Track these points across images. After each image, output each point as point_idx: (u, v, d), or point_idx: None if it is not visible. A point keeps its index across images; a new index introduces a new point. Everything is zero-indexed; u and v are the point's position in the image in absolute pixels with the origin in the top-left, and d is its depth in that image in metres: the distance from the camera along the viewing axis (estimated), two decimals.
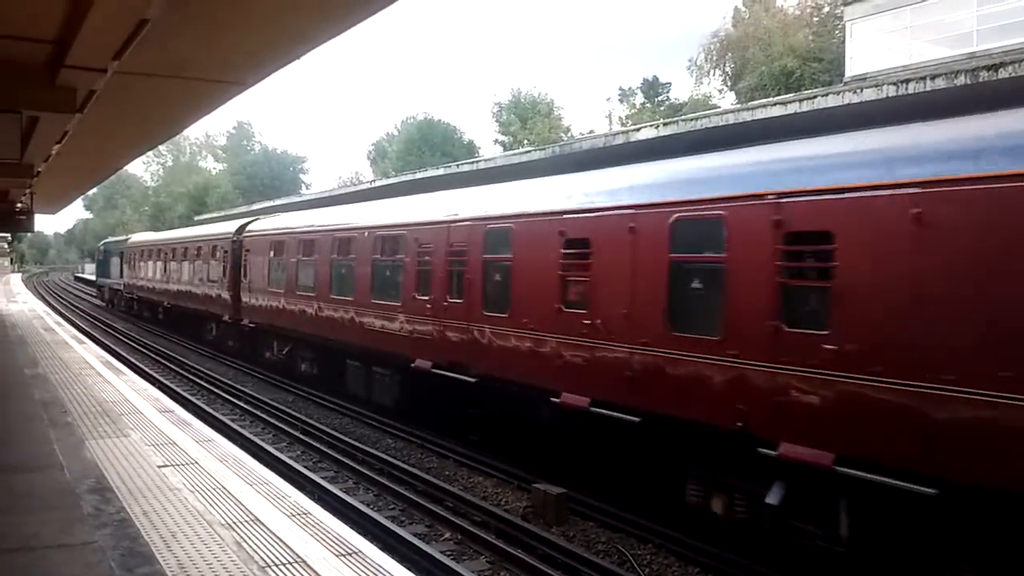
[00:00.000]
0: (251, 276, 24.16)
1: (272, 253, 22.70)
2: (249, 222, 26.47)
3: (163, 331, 35.80)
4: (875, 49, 22.34)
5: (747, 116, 12.61)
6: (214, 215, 54.33)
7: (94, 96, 9.70)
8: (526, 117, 63.24)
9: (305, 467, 13.38)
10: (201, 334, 31.14)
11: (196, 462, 8.55)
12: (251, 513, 6.79)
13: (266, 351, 23.62)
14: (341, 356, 18.58)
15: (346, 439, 15.31)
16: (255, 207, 45.38)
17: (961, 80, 9.57)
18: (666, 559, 9.53)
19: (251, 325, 24.19)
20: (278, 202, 42.93)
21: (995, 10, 19.75)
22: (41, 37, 7.70)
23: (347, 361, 18.24)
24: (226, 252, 26.45)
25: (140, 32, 7.02)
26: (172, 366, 25.61)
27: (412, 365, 14.91)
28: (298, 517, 6.76)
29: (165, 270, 35.28)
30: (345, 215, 20.27)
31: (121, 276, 46.91)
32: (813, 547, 8.63)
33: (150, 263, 38.46)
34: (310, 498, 8.21)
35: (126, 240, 48.64)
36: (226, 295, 26.18)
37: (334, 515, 7.28)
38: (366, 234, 17.41)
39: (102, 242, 57.98)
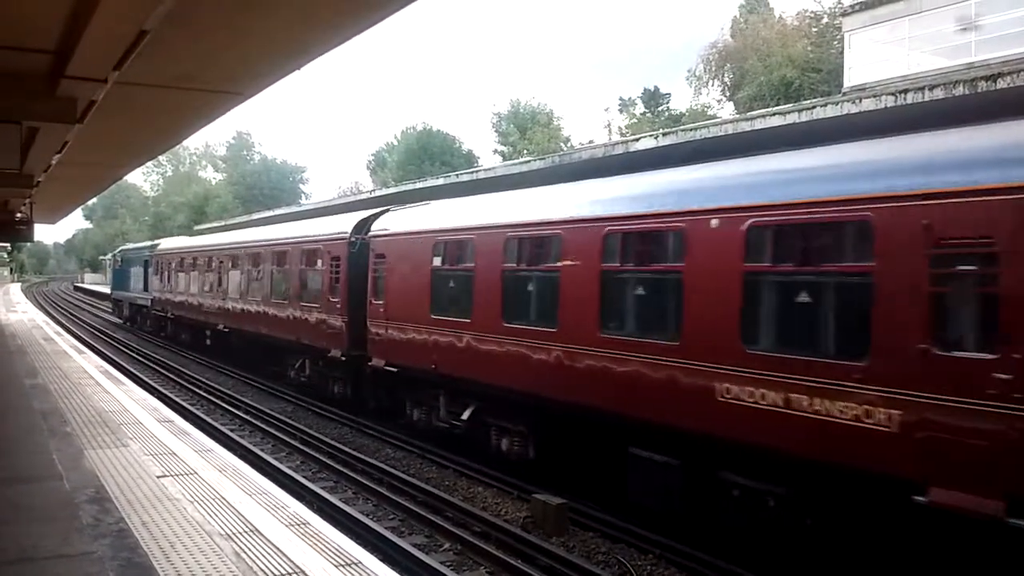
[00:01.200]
0: (390, 295, 16.44)
1: (441, 260, 14.92)
2: (376, 215, 18.39)
3: (210, 360, 28.98)
4: (873, 60, 22.44)
5: (746, 126, 12.63)
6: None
7: (94, 106, 9.72)
8: (525, 127, 63.39)
9: (304, 477, 13.36)
10: (277, 368, 23.59)
11: (195, 472, 8.55)
12: (250, 523, 6.78)
13: (415, 408, 15.98)
14: (610, 436, 11.04)
15: (346, 449, 15.28)
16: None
17: (960, 90, 9.61)
18: (667, 570, 9.50)
19: (389, 368, 16.30)
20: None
21: (994, 21, 19.88)
22: (42, 47, 7.72)
23: (631, 450, 10.61)
24: (336, 260, 18.99)
25: (140, 43, 7.04)
26: (171, 376, 25.57)
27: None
28: (297, 527, 6.75)
29: (220, 283, 28.01)
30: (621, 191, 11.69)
31: (147, 289, 39.33)
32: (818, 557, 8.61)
33: (193, 274, 31.22)
34: (309, 508, 8.22)
35: (154, 246, 40.17)
36: (337, 321, 18.80)
37: (333, 525, 7.29)
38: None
39: (119, 249, 48.96)
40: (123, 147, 14.81)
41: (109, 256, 44.51)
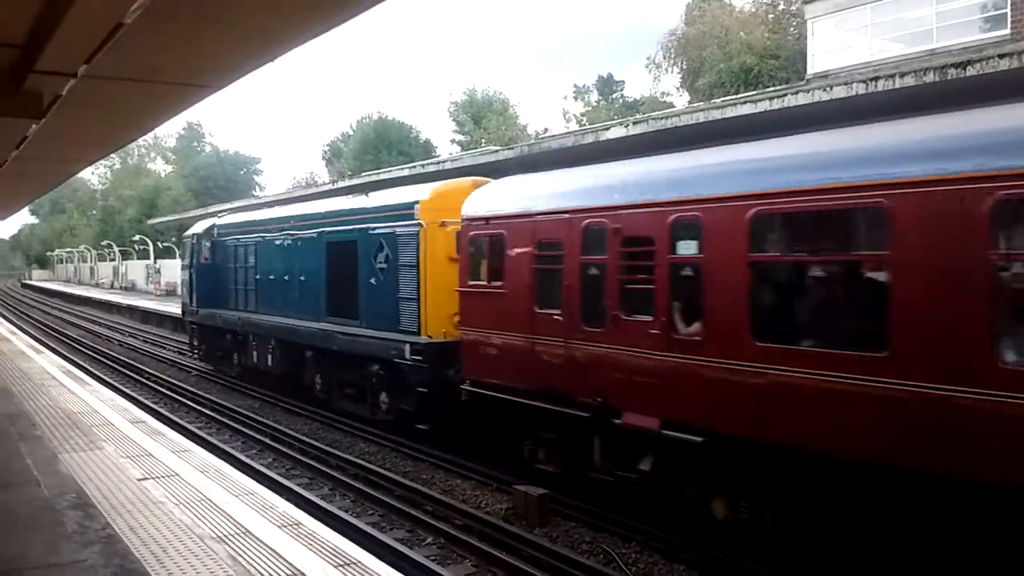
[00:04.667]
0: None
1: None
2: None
3: None
4: (836, 46, 22.73)
5: (716, 114, 12.70)
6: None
7: (59, 101, 9.43)
8: (481, 116, 63.15)
9: (278, 474, 13.20)
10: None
11: (176, 474, 8.40)
12: (241, 525, 6.68)
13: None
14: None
15: (318, 445, 15.13)
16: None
17: (931, 77, 9.74)
18: (651, 557, 9.55)
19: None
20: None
21: (953, 7, 20.26)
22: (9, 42, 7.46)
23: None
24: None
25: (115, 35, 6.83)
26: (132, 375, 25.08)
27: None
28: (290, 528, 6.67)
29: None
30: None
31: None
32: (801, 545, 8.71)
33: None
34: (290, 504, 8.09)
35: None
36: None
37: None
38: None
39: (204, 225, 24.85)
40: (84, 141, 14.36)
41: (190, 235, 25.10)
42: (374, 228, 15.58)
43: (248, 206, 31.31)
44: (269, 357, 20.31)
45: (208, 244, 23.74)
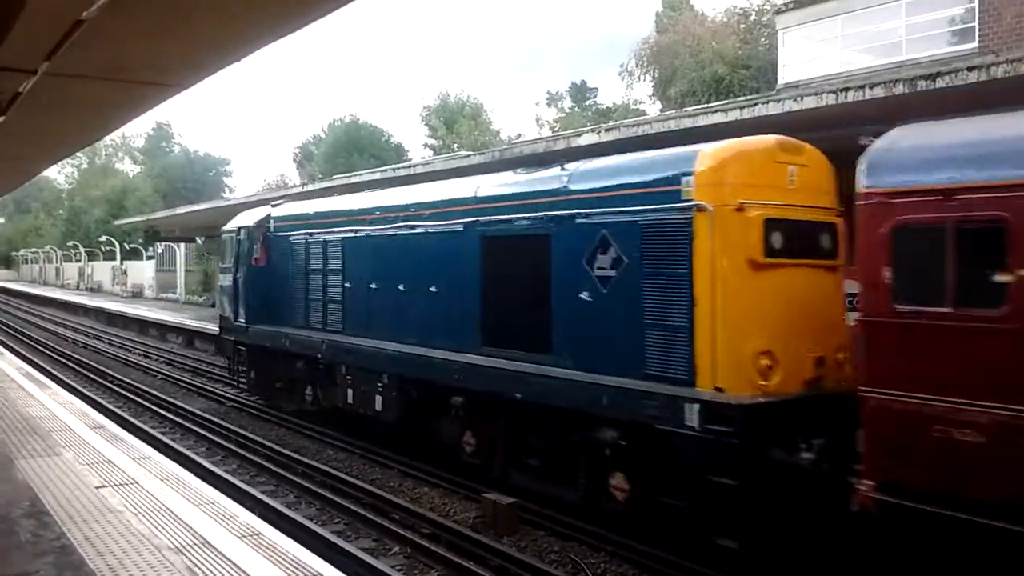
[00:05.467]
0: None
1: None
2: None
3: None
4: (807, 57, 22.94)
5: (688, 123, 12.72)
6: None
7: (19, 99, 9.21)
8: (453, 121, 63.07)
9: (242, 481, 12.99)
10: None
11: (135, 482, 8.20)
12: (200, 536, 6.51)
13: None
14: None
15: (284, 451, 14.91)
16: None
17: (900, 89, 9.81)
18: (620, 567, 9.49)
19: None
20: None
21: (922, 20, 20.52)
22: None
23: None
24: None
25: (76, 31, 6.66)
26: (95, 377, 24.67)
27: None
28: (250, 538, 6.51)
29: None
30: None
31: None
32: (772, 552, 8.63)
33: None
34: (250, 512, 7.93)
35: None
36: None
37: (288, 537, 7.05)
38: None
39: (253, 216, 19.47)
40: (47, 141, 14.10)
41: (232, 229, 19.78)
42: (588, 216, 10.45)
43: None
44: (378, 399, 14.47)
45: (261, 241, 18.31)
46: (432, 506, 11.72)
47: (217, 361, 26.45)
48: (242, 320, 18.78)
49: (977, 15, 19.49)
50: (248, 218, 19.22)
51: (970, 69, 9.46)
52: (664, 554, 9.50)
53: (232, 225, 19.62)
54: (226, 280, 19.80)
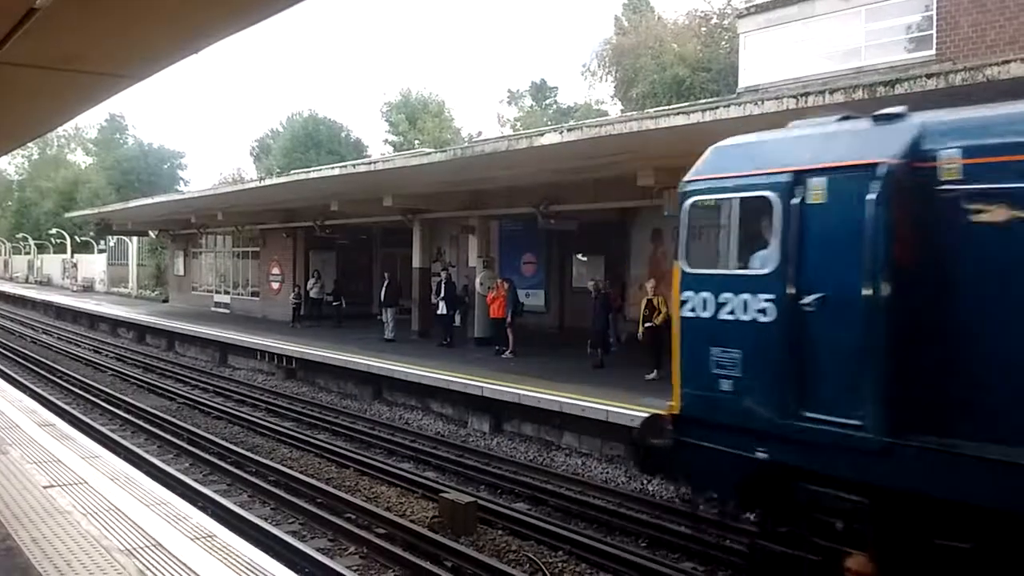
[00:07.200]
0: None
1: None
2: None
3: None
4: (767, 61, 23.16)
5: (650, 124, 12.76)
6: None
7: None
8: (416, 117, 62.79)
9: (195, 480, 12.77)
10: None
11: (85, 481, 8.00)
12: (151, 537, 6.36)
13: None
14: None
15: (238, 449, 14.72)
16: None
17: (859, 95, 9.93)
18: (578, 566, 9.50)
19: None
20: None
21: (880, 27, 20.84)
22: None
23: None
24: None
25: (28, 20, 6.46)
26: (44, 373, 24.12)
27: None
28: (203, 540, 6.37)
29: None
30: None
31: None
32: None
33: None
34: (203, 513, 7.79)
35: None
36: None
37: (233, 532, 6.93)
38: None
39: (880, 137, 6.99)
40: None
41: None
42: None
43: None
44: None
45: (837, 208, 6.86)
46: (389, 506, 11.64)
47: (168, 357, 25.92)
48: (857, 418, 6.60)
49: (935, 23, 19.86)
50: (825, 146, 7.33)
51: (929, 76, 9.60)
52: (623, 553, 9.52)
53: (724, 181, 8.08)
54: (701, 304, 7.81)
